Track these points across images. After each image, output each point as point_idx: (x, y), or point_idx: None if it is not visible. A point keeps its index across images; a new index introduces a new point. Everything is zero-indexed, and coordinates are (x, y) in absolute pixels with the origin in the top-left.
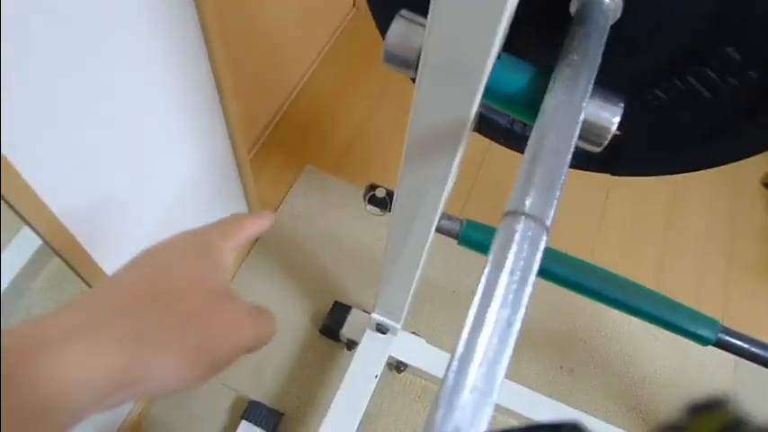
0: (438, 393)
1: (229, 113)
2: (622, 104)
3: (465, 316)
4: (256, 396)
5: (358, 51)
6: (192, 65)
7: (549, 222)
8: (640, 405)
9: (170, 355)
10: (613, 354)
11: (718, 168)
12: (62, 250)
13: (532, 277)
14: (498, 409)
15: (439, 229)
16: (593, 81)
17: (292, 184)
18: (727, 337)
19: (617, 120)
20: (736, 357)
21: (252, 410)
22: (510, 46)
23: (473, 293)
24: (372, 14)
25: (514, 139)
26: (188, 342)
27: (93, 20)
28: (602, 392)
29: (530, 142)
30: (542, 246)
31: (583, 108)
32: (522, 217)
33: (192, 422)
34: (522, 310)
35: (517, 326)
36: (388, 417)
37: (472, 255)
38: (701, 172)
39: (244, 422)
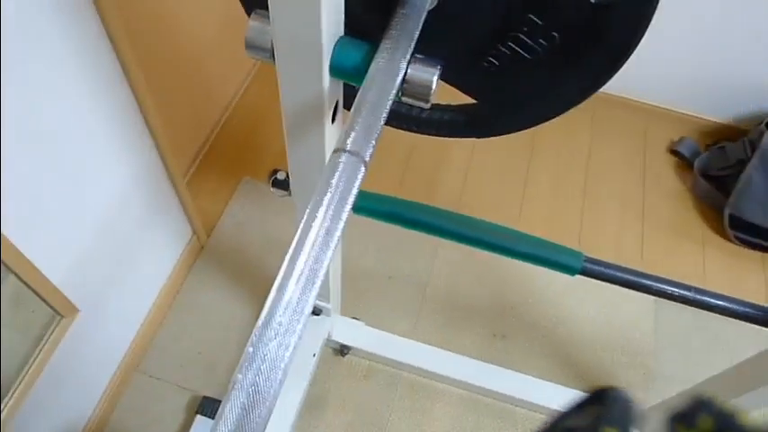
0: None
1: (157, 134)
2: (440, 67)
3: (402, 299)
4: (209, 393)
5: None
6: (111, 91)
7: (367, 158)
8: (570, 360)
9: None
10: (542, 317)
11: (628, 138)
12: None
13: (352, 197)
14: (441, 379)
15: None
16: (411, 50)
17: (231, 195)
18: (591, 265)
19: (435, 78)
20: (656, 312)
21: (206, 405)
22: (357, 30)
23: (408, 276)
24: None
25: (426, 125)
26: None
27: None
28: (534, 353)
29: (356, 98)
30: (361, 174)
31: (401, 70)
32: (345, 153)
33: (151, 424)
34: (341, 224)
35: (335, 238)
36: (336, 399)
37: (405, 242)
38: (613, 143)
39: (198, 416)
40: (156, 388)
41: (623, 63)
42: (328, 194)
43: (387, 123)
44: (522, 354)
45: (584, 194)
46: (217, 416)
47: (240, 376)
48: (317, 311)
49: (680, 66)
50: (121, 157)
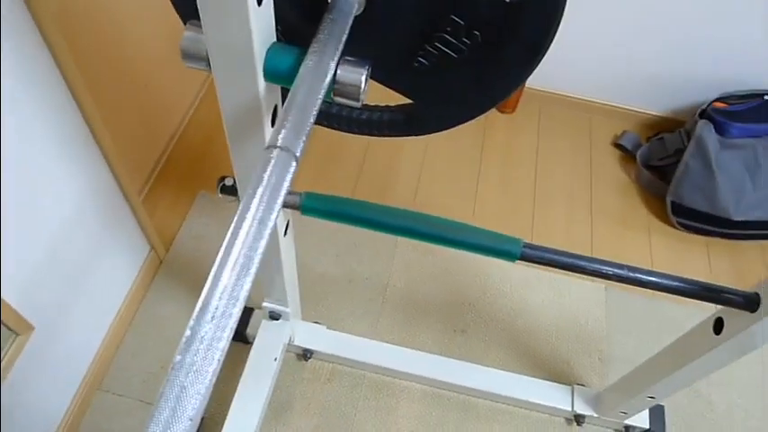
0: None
1: (108, 152)
2: (368, 68)
3: (362, 301)
4: None
5: None
6: (58, 108)
7: (298, 153)
8: (529, 350)
9: None
10: (499, 311)
11: (575, 134)
12: None
13: (283, 190)
14: (404, 376)
15: (284, 205)
16: (339, 52)
17: (188, 209)
18: (530, 251)
19: (364, 78)
20: (606, 299)
21: None
22: (293, 38)
23: (367, 279)
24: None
25: (367, 126)
26: None
27: None
28: (494, 346)
29: (287, 98)
30: (292, 168)
31: (329, 70)
32: (276, 149)
33: None
34: (274, 215)
35: (268, 228)
36: (301, 403)
37: (363, 246)
38: (560, 139)
39: None
40: (120, 404)
41: (542, 56)
42: (261, 187)
43: (331, 126)
44: (481, 347)
45: (534, 191)
46: (158, 395)
47: (179, 357)
48: (275, 316)
49: (620, 63)
50: (72, 176)
